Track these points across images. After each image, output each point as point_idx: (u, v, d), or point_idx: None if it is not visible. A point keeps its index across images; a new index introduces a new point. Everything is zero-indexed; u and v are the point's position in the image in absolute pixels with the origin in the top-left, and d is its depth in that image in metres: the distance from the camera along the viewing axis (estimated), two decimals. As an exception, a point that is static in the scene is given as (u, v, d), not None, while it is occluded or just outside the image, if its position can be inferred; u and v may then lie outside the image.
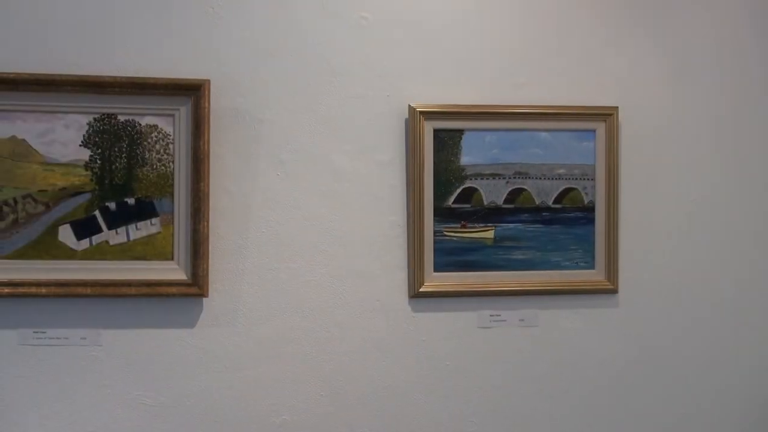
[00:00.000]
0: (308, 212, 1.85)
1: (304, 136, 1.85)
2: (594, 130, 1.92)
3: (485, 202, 1.90)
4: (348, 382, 1.86)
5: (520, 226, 1.91)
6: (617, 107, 1.92)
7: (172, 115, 1.79)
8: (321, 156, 1.85)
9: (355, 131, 1.87)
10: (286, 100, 1.84)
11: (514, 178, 1.90)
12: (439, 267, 1.87)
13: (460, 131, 1.88)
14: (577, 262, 1.92)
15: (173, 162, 1.79)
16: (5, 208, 1.75)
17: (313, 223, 1.85)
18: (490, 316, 1.90)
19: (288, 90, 1.84)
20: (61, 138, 1.76)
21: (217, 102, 1.79)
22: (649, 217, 1.97)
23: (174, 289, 1.78)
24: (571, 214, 1.92)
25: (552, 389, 1.93)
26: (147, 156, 1.79)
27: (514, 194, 1.91)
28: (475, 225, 1.89)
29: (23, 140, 1.75)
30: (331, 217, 1.86)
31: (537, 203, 1.91)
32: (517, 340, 1.92)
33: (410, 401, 1.88)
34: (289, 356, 1.84)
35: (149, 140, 1.79)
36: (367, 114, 1.87)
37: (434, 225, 1.87)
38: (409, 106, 1.85)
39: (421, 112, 1.85)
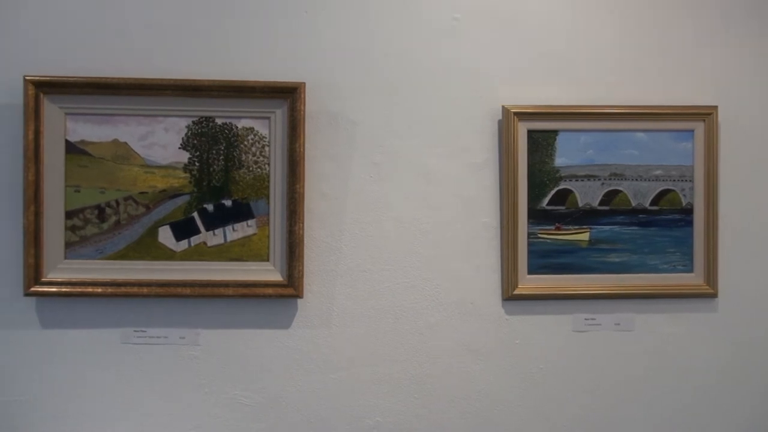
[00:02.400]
0: (401, 214, 1.85)
1: (397, 138, 1.85)
2: (692, 130, 1.87)
3: (580, 204, 1.87)
4: (441, 384, 1.85)
5: (615, 228, 1.87)
6: (716, 107, 1.87)
7: (268, 118, 1.81)
8: (414, 158, 1.85)
9: (448, 133, 1.86)
10: (380, 102, 1.84)
11: (610, 179, 1.87)
12: (533, 269, 1.85)
13: (555, 132, 1.85)
14: (674, 266, 1.88)
15: (269, 164, 1.81)
16: (108, 210, 1.79)
17: (406, 225, 1.85)
18: (585, 319, 1.87)
19: (381, 92, 1.84)
20: (161, 141, 1.79)
21: (312, 104, 1.80)
22: (749, 220, 1.91)
23: (270, 290, 1.79)
24: (669, 216, 1.88)
25: (648, 395, 1.89)
26: (243, 158, 1.81)
27: (610, 196, 1.87)
28: (570, 227, 1.87)
29: (125, 143, 1.79)
30: (423, 219, 1.85)
31: (633, 205, 1.88)
32: (612, 345, 1.88)
33: (503, 404, 1.86)
34: (382, 358, 1.84)
35: (246, 143, 1.81)
36: (459, 115, 1.86)
37: (528, 227, 1.85)
38: (503, 107, 1.84)
39: (515, 113, 1.83)
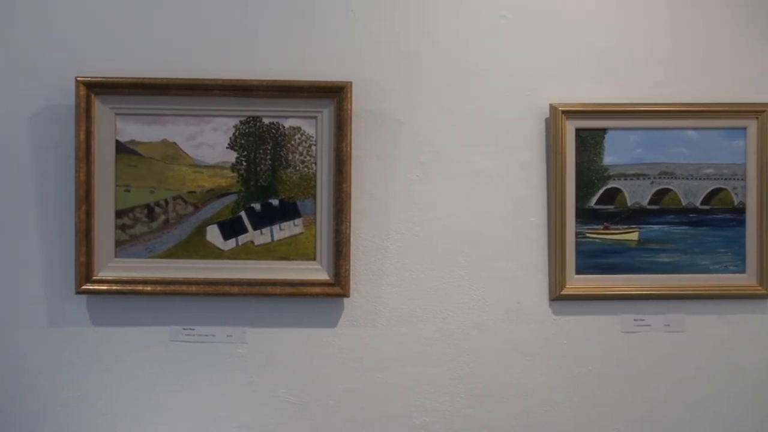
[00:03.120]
0: (447, 213, 1.84)
1: (443, 137, 1.84)
2: (744, 128, 1.83)
3: (629, 203, 1.84)
4: (488, 384, 1.84)
5: (665, 227, 1.84)
6: (770, 104, 1.84)
7: (315, 117, 1.81)
8: (460, 157, 1.84)
9: (495, 132, 1.84)
10: (426, 102, 1.83)
11: (660, 178, 1.84)
12: (581, 269, 1.83)
13: (603, 130, 1.83)
14: (726, 266, 1.84)
15: (315, 164, 1.81)
16: (157, 209, 1.80)
17: (452, 225, 1.84)
18: (634, 320, 1.85)
19: (427, 91, 1.83)
20: (209, 141, 1.81)
21: (358, 104, 1.80)
22: (803, 219, 1.87)
23: (317, 289, 1.80)
24: (720, 216, 1.84)
25: (699, 397, 1.86)
26: (290, 158, 1.81)
27: (660, 195, 1.84)
28: (619, 226, 1.84)
29: (174, 143, 1.80)
30: (470, 219, 1.84)
31: (684, 204, 1.85)
32: (662, 346, 1.86)
33: (551, 405, 1.85)
34: (429, 357, 1.84)
35: (292, 142, 1.81)
36: (506, 114, 1.84)
37: (576, 226, 1.83)
38: (551, 105, 1.82)
39: (563, 112, 1.81)
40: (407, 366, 1.84)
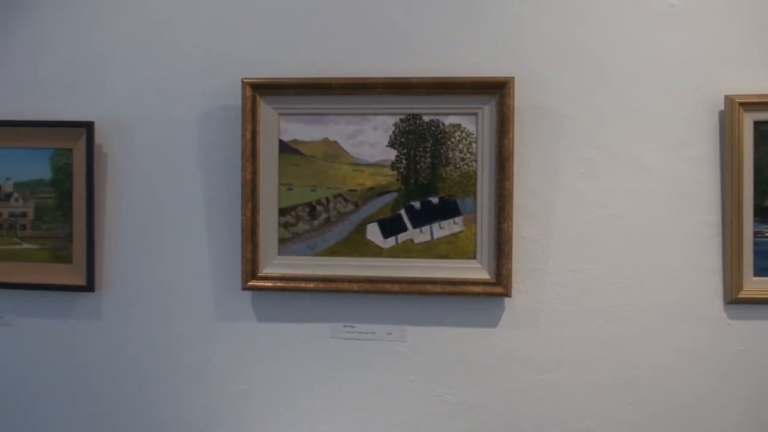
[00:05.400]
0: (613, 211, 1.77)
1: (607, 132, 1.77)
2: None
3: (814, 201, 1.72)
4: (655, 390, 1.77)
5: None
6: None
7: (475, 114, 1.78)
8: (626, 152, 1.77)
9: (663, 125, 1.76)
10: (590, 95, 1.77)
11: None
12: (759, 271, 1.73)
13: (785, 123, 1.72)
14: None
15: (476, 161, 1.79)
16: (319, 208, 1.83)
17: (618, 223, 1.77)
18: (819, 326, 1.73)
19: (591, 84, 1.77)
20: (369, 139, 1.81)
21: (519, 99, 1.76)
22: None
23: (478, 288, 1.77)
24: None
25: None
26: (450, 155, 1.79)
27: None
28: (802, 226, 1.73)
29: (335, 142, 1.82)
30: (637, 217, 1.77)
31: None
32: None
33: (725, 416, 1.75)
34: (593, 360, 1.78)
35: (453, 140, 1.79)
36: (675, 107, 1.76)
37: (754, 225, 1.73)
38: (726, 96, 1.72)
39: (740, 104, 1.71)
40: (569, 368, 1.79)
